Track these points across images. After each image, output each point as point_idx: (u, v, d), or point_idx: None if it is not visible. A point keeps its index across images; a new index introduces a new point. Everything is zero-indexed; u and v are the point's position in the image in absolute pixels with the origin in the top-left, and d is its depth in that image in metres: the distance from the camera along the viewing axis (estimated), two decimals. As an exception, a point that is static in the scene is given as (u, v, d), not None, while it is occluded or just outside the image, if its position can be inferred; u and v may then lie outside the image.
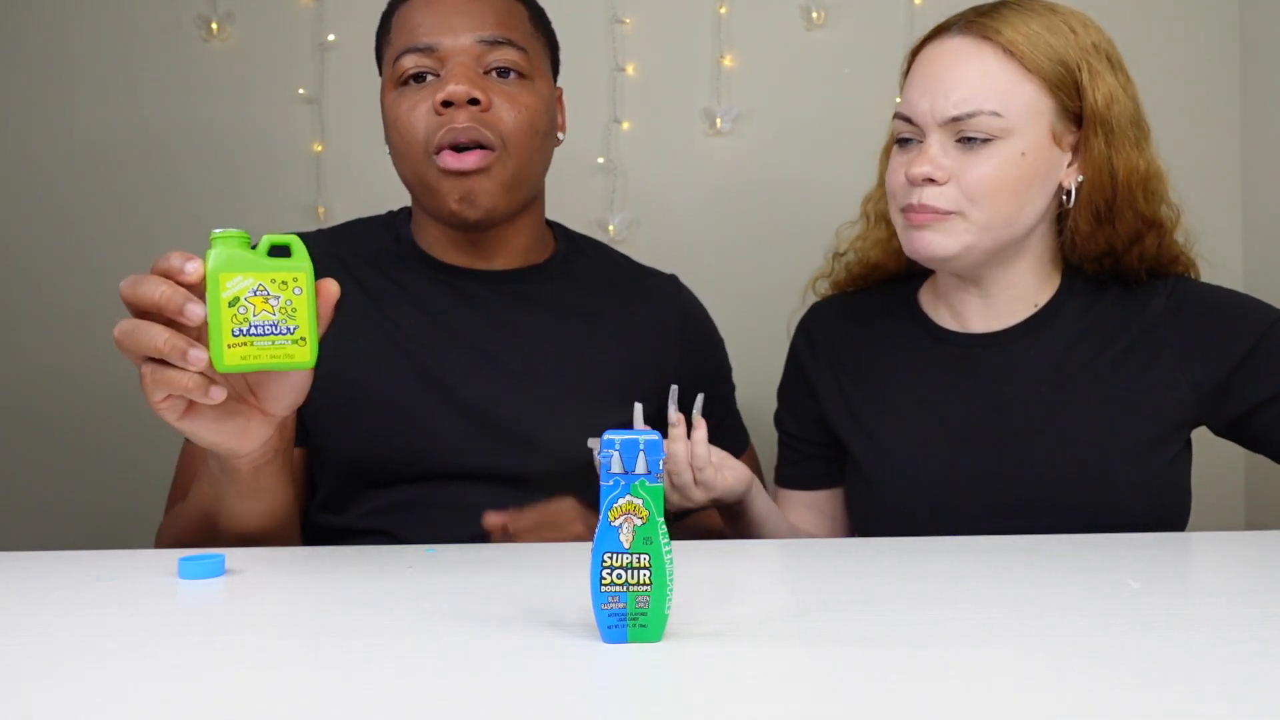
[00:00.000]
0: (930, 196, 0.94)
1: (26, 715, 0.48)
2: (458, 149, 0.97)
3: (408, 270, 1.06)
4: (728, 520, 1.03)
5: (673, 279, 1.19)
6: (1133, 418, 0.96)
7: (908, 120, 0.96)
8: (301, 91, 1.66)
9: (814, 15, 1.65)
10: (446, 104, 0.96)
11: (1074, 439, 0.96)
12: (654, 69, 1.67)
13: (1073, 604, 0.65)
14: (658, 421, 1.09)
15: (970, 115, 0.92)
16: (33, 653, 0.57)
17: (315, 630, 0.61)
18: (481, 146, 0.97)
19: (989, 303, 1.02)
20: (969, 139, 0.93)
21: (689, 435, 0.93)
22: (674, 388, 0.95)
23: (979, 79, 0.93)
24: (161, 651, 0.57)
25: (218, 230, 0.69)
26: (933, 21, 1.01)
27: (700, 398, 0.97)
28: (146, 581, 0.72)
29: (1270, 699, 0.49)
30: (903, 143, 0.98)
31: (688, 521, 1.18)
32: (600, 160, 1.67)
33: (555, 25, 1.11)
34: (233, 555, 0.79)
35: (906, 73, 1.01)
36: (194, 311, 0.67)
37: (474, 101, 0.96)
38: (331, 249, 1.07)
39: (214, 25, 1.65)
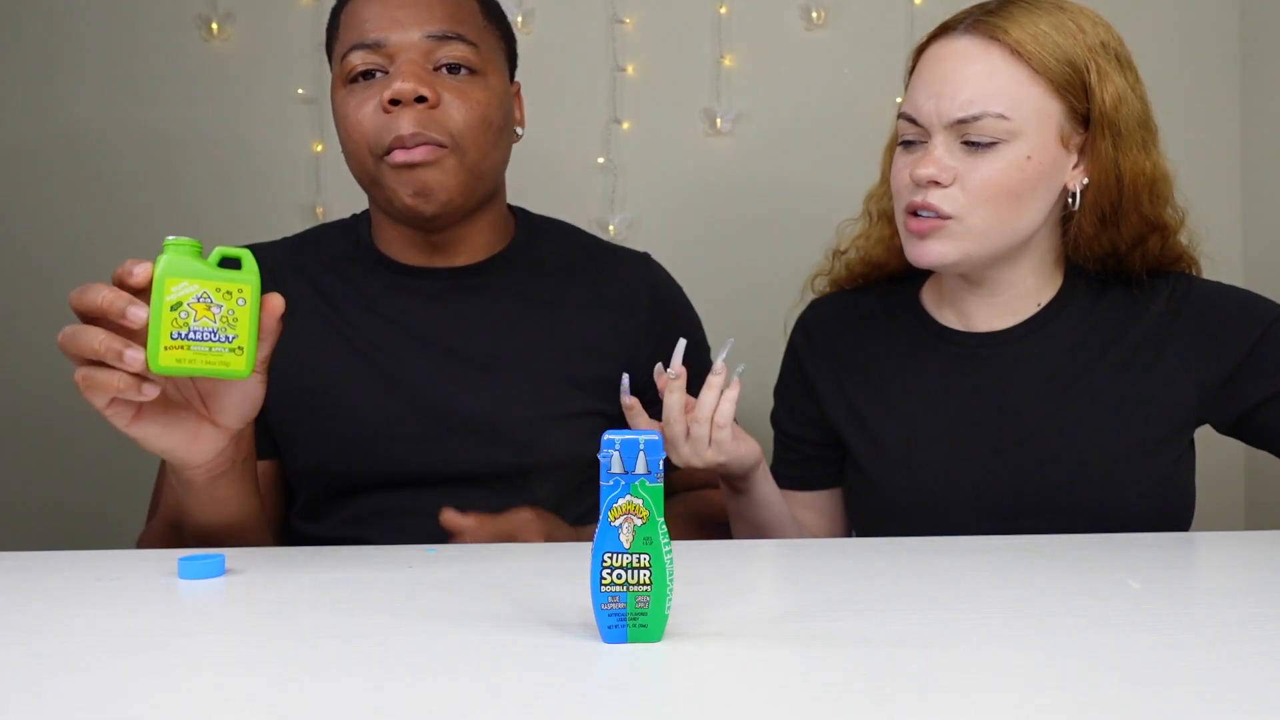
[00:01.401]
0: (934, 198, 0.93)
1: (27, 714, 0.48)
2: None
3: (366, 273, 1.05)
4: (731, 499, 1.02)
5: (644, 256, 1.16)
6: (1137, 417, 0.96)
7: (912, 121, 0.95)
8: (301, 91, 1.66)
9: (814, 15, 1.65)
10: (394, 101, 0.94)
11: (1078, 439, 0.96)
12: (654, 69, 1.67)
13: (1073, 604, 0.65)
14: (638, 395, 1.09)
15: (976, 117, 0.91)
16: (33, 652, 0.57)
17: (315, 630, 0.61)
18: (427, 142, 0.95)
19: (991, 302, 1.02)
20: (974, 141, 0.92)
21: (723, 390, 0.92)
22: (730, 341, 0.93)
23: (986, 80, 0.92)
24: (161, 651, 0.57)
25: (171, 238, 0.70)
26: (933, 21, 1.00)
27: (729, 343, 0.94)
28: (146, 581, 0.72)
29: (1271, 698, 0.49)
30: (907, 143, 0.97)
31: (691, 500, 1.18)
32: (600, 160, 1.67)
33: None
34: (233, 555, 0.79)
35: (911, 71, 1.00)
36: (135, 314, 0.68)
37: (421, 99, 0.94)
38: (291, 258, 1.06)
39: (214, 25, 1.65)
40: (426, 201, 0.96)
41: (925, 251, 0.95)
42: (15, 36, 1.66)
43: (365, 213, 1.11)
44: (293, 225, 1.62)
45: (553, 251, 1.12)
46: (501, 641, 0.58)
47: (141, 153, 1.67)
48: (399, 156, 0.95)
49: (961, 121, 0.92)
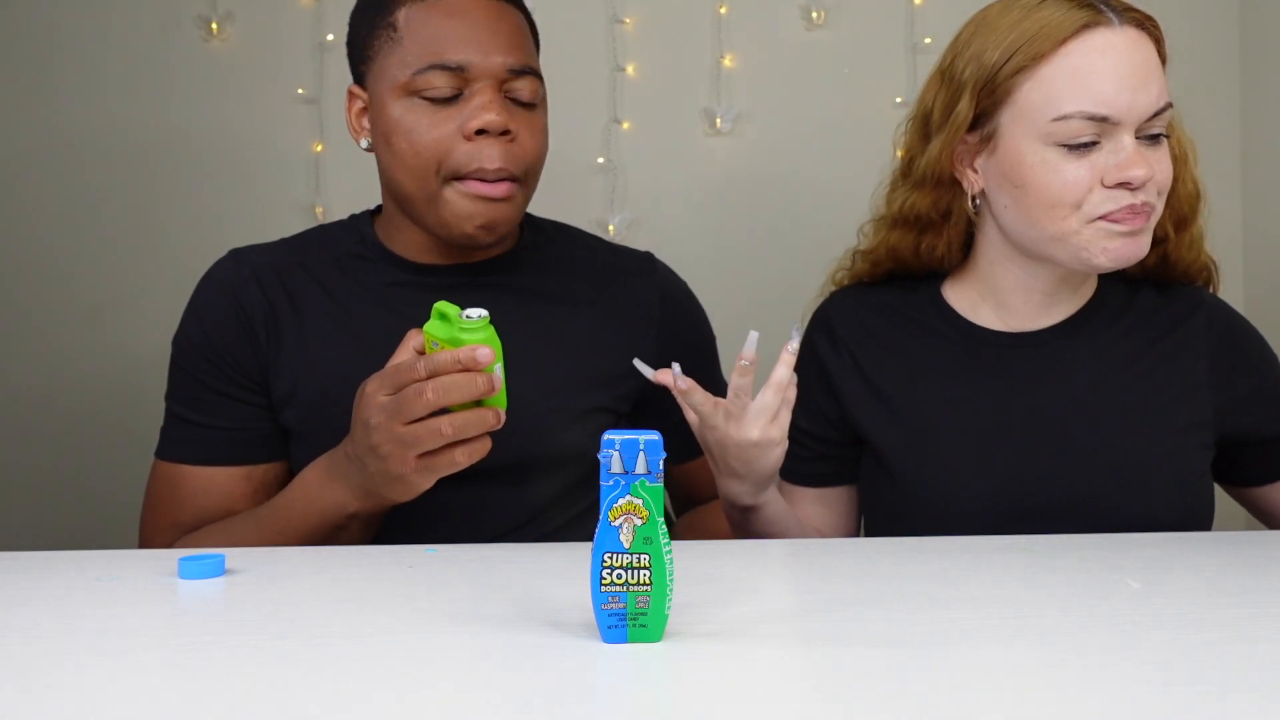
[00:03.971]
0: (1147, 194, 0.90)
1: (27, 714, 0.48)
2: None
3: (374, 270, 1.05)
4: (741, 520, 1.00)
5: (648, 256, 1.16)
6: (1164, 426, 0.96)
7: (1101, 119, 0.89)
8: (301, 91, 1.66)
9: (814, 15, 1.65)
10: (479, 131, 0.94)
11: (1107, 444, 0.95)
12: (654, 69, 1.67)
13: (1073, 604, 0.65)
14: (640, 400, 1.08)
15: (1163, 110, 0.91)
16: (33, 653, 0.57)
17: (315, 630, 0.61)
18: (508, 178, 0.97)
19: (1053, 299, 1.01)
20: (1156, 135, 0.91)
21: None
22: (754, 334, 0.91)
23: (1159, 73, 0.91)
24: (161, 651, 0.57)
25: (476, 314, 0.81)
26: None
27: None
28: (146, 581, 0.72)
29: (1272, 698, 0.49)
30: (1075, 146, 0.90)
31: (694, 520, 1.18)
32: (600, 160, 1.67)
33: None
34: (233, 555, 0.79)
35: (1014, 68, 0.92)
36: (497, 381, 0.81)
37: (505, 132, 0.95)
38: (295, 257, 1.05)
39: (214, 25, 1.65)
40: (489, 233, 0.98)
41: (1138, 249, 0.91)
42: (14, 37, 1.66)
43: (366, 212, 1.11)
44: (292, 225, 1.62)
45: (559, 251, 1.12)
46: (501, 641, 0.58)
47: (141, 153, 1.67)
48: (479, 188, 0.95)
49: (1156, 114, 0.90)
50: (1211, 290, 1.06)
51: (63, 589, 0.71)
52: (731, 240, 1.68)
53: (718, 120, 1.66)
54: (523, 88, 0.98)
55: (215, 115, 1.67)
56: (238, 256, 1.06)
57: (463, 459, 0.82)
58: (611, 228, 1.65)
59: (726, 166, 1.68)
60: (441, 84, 0.95)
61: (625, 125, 1.67)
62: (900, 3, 1.65)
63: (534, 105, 1.00)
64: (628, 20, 1.66)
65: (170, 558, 0.78)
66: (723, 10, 1.66)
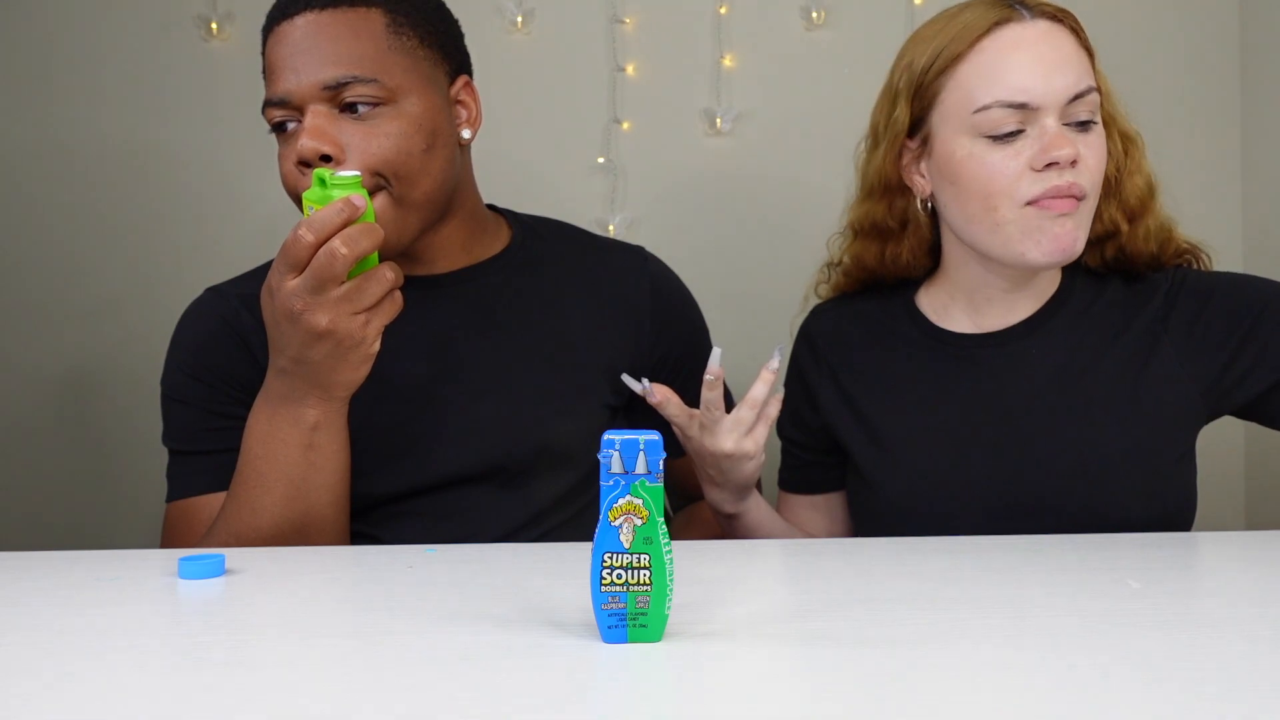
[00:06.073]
0: (1073, 177, 0.90)
1: (27, 715, 0.48)
2: None
3: None
4: (726, 525, 1.03)
5: (638, 250, 1.16)
6: (1135, 418, 0.96)
7: (1019, 106, 0.91)
8: (301, 91, 1.66)
9: (814, 15, 1.65)
10: (302, 162, 0.93)
11: (1078, 439, 0.96)
12: (654, 69, 1.67)
13: (1073, 604, 0.65)
14: (634, 400, 1.08)
15: (1086, 92, 0.91)
16: (33, 653, 0.57)
17: (315, 630, 0.61)
18: None
19: (1015, 298, 1.01)
20: (1082, 120, 0.92)
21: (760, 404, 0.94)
22: (718, 350, 0.94)
23: (1078, 59, 0.93)
24: (161, 651, 0.57)
25: (347, 172, 0.85)
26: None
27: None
28: (146, 581, 0.72)
29: (1271, 698, 0.49)
30: (998, 137, 0.92)
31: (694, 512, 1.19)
32: (600, 160, 1.67)
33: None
34: (233, 555, 0.79)
35: (938, 70, 0.95)
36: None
37: (326, 158, 0.92)
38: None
39: (214, 25, 1.65)
40: None
41: (1070, 240, 0.91)
42: (10, 38, 1.66)
43: None
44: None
45: (549, 248, 1.12)
46: (501, 641, 0.58)
47: (139, 153, 1.67)
48: None
49: (1077, 98, 0.91)
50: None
51: (63, 589, 0.71)
52: (731, 240, 1.68)
53: (718, 120, 1.66)
54: (350, 95, 0.93)
55: (214, 116, 1.66)
56: (219, 291, 1.06)
57: (399, 300, 0.86)
58: (611, 228, 1.65)
59: (726, 166, 1.67)
60: (278, 115, 0.95)
61: (625, 125, 1.67)
62: (900, 3, 1.65)
63: (377, 105, 0.93)
64: (628, 20, 1.65)
65: (170, 558, 0.78)
66: (723, 10, 1.66)
